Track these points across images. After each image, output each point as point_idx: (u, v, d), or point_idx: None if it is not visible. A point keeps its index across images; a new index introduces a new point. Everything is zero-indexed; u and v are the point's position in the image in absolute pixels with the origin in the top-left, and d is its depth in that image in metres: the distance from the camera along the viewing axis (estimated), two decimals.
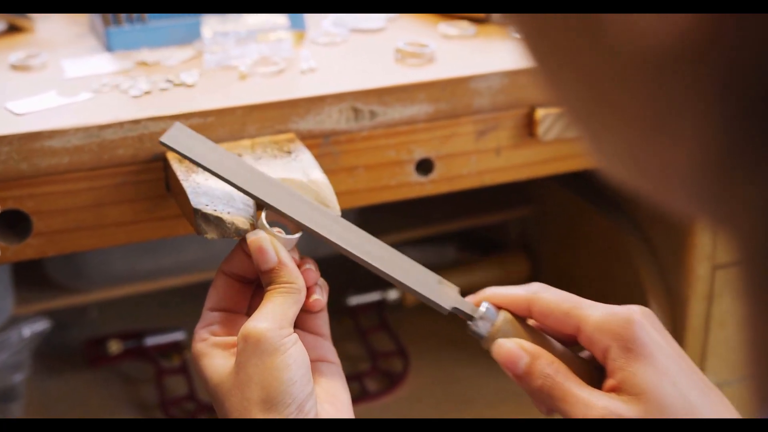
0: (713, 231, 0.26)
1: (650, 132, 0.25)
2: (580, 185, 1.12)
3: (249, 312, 0.64)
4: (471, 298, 0.61)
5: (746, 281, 0.25)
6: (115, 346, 1.11)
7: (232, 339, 0.60)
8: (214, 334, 0.61)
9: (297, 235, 0.62)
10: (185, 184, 0.68)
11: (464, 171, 0.84)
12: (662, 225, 1.00)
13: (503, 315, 0.58)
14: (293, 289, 0.59)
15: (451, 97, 0.81)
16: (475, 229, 1.28)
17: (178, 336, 1.13)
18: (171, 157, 0.73)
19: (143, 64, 0.86)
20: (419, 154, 0.82)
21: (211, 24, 0.87)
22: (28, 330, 1.04)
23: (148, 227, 0.76)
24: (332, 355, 0.64)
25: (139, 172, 0.74)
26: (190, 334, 1.14)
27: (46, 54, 0.88)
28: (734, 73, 0.23)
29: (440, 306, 0.60)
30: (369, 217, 1.16)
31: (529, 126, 0.84)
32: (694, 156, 0.25)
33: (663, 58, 0.24)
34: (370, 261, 0.61)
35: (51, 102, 0.77)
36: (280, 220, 0.63)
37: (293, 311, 0.59)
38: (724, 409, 0.53)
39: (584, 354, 0.58)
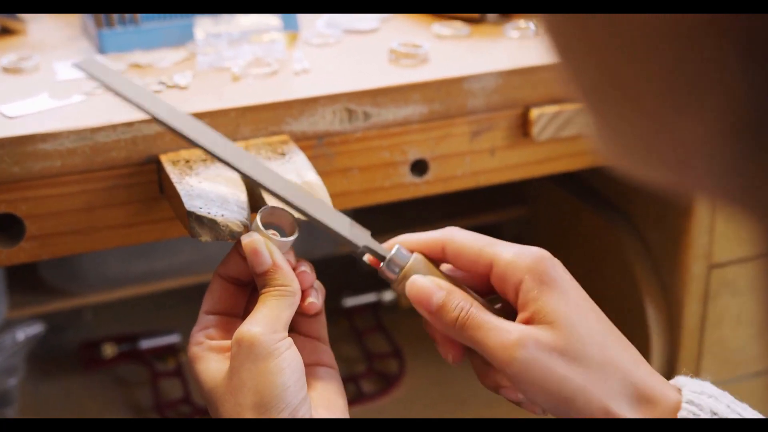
0: (737, 216, 0.25)
1: (669, 111, 0.25)
2: (575, 185, 1.12)
3: (245, 315, 0.63)
4: (384, 244, 0.60)
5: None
6: (109, 350, 1.10)
7: (228, 343, 0.59)
8: (210, 338, 0.60)
9: (292, 238, 0.62)
10: (179, 187, 0.67)
11: (459, 172, 0.84)
12: (657, 224, 1.00)
13: (415, 255, 0.58)
14: (288, 292, 0.59)
15: (445, 98, 0.81)
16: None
17: (172, 339, 1.13)
18: (165, 159, 0.73)
19: (136, 66, 0.86)
20: (413, 155, 0.82)
21: (204, 25, 0.87)
22: (22, 333, 1.03)
23: (142, 230, 0.76)
24: (329, 359, 0.63)
25: (133, 174, 0.74)
26: (185, 336, 1.14)
27: (38, 56, 0.88)
28: (758, 42, 0.22)
29: (353, 244, 0.60)
30: (363, 219, 1.16)
31: (523, 126, 0.84)
32: (717, 132, 0.24)
33: (682, 31, 0.23)
34: (280, 192, 0.60)
35: (43, 105, 0.76)
36: (274, 220, 0.63)
37: (287, 314, 0.58)
38: (624, 348, 0.54)
39: (497, 306, 0.58)
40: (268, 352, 0.55)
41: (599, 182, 1.09)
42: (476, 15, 0.95)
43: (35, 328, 1.04)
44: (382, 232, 1.17)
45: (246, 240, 0.60)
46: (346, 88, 0.78)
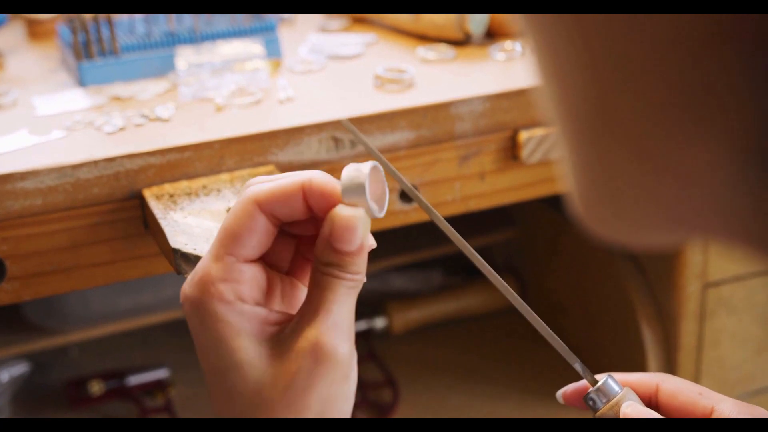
0: (736, 248, 0.23)
1: (667, 134, 0.22)
2: (564, 205, 1.11)
3: (289, 269, 0.49)
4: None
5: None
6: (96, 387, 1.08)
7: (263, 313, 0.46)
8: (241, 299, 0.45)
9: (384, 212, 0.48)
10: (163, 223, 0.66)
11: (449, 197, 0.82)
12: None
13: (627, 388, 0.55)
14: (359, 282, 0.46)
15: (432, 123, 0.80)
16: (461, 254, 1.26)
17: (161, 374, 1.11)
18: (148, 194, 0.71)
19: (117, 99, 0.84)
20: None
21: (186, 55, 0.86)
22: (7, 374, 1.01)
23: (127, 267, 0.74)
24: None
25: (116, 210, 0.72)
26: (174, 371, 1.12)
27: (16, 91, 0.86)
28: (765, 49, 0.20)
29: (571, 356, 0.57)
30: None
31: (512, 149, 0.83)
32: (723, 160, 0.21)
33: (690, 50, 0.21)
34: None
35: (22, 141, 0.75)
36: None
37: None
38: None
39: None
40: (345, 375, 0.45)
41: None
42: (461, 37, 0.94)
43: (20, 368, 1.02)
44: (373, 258, 1.16)
45: (345, 213, 0.45)
46: (331, 116, 0.77)
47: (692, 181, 0.23)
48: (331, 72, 0.90)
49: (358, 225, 0.44)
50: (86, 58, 0.88)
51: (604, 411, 0.55)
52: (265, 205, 0.45)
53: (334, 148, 0.77)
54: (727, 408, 0.53)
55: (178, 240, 0.63)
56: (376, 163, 0.47)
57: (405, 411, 1.09)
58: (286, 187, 0.45)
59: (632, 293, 1.00)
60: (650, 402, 0.56)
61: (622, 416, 0.53)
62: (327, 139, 0.77)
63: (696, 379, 0.98)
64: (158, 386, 1.10)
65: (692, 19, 0.20)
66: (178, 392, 1.10)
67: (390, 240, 1.15)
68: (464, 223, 1.12)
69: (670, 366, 0.98)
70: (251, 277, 0.45)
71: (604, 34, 0.22)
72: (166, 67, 0.89)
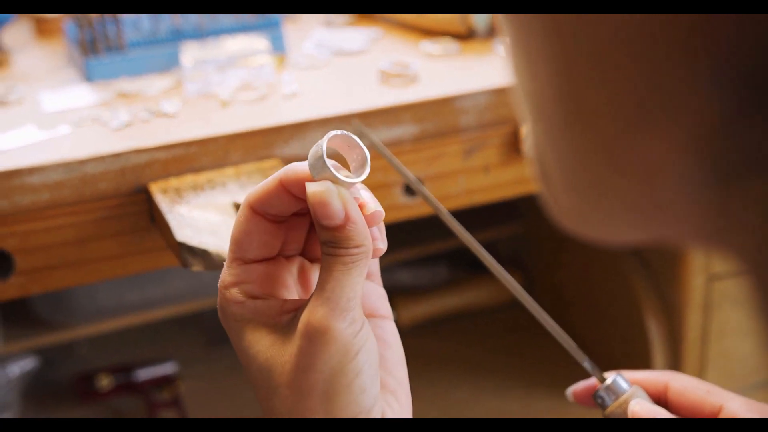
0: (702, 245, 0.24)
1: (632, 130, 0.23)
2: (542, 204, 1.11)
3: (282, 250, 0.50)
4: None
5: (755, 291, 0.24)
6: (105, 381, 1.09)
7: (276, 304, 0.47)
8: (251, 296, 0.47)
9: (364, 176, 0.47)
10: (169, 217, 0.66)
11: (453, 191, 0.83)
12: None
13: (636, 386, 0.55)
14: (362, 254, 0.45)
15: (436, 117, 0.80)
16: (466, 248, 1.26)
17: (168, 368, 1.11)
18: (154, 188, 0.71)
19: (123, 94, 0.85)
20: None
21: (191, 51, 0.86)
22: (16, 369, 1.02)
23: (134, 260, 0.74)
24: (383, 304, 0.51)
25: (122, 205, 0.73)
26: (181, 365, 1.12)
27: (23, 87, 0.87)
28: (729, 68, 0.21)
29: (580, 355, 0.57)
30: None
31: (516, 143, 0.83)
32: (685, 152, 0.22)
33: (655, 46, 0.22)
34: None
35: (29, 137, 0.75)
36: (338, 149, 0.48)
37: (362, 286, 0.46)
38: None
39: None
40: (346, 351, 0.45)
41: None
42: (464, 31, 0.94)
43: (29, 363, 1.03)
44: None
45: (313, 189, 0.45)
46: (336, 111, 0.77)
47: (653, 179, 0.23)
48: (336, 67, 0.91)
49: (328, 197, 0.45)
50: (93, 55, 0.88)
51: (612, 409, 0.55)
52: (257, 207, 0.47)
53: None
54: (736, 406, 0.53)
55: (183, 233, 0.63)
56: (342, 131, 0.47)
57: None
58: (267, 185, 0.47)
59: (637, 287, 1.00)
60: (659, 400, 0.55)
61: (630, 415, 0.53)
62: None
63: (701, 371, 0.98)
64: (166, 380, 1.11)
65: (661, 21, 0.21)
66: (186, 386, 1.10)
67: (396, 235, 1.16)
68: (470, 217, 1.13)
69: (675, 359, 0.99)
70: (261, 275, 0.48)
71: (576, 34, 0.23)
72: (171, 63, 0.89)
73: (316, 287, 0.46)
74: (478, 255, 0.55)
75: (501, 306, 1.23)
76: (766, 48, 0.20)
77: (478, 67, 0.87)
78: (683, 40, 0.21)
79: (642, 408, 0.53)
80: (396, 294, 1.20)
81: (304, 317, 0.45)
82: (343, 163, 0.47)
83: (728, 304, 0.96)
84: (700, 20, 0.21)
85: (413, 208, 0.82)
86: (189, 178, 0.73)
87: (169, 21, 0.94)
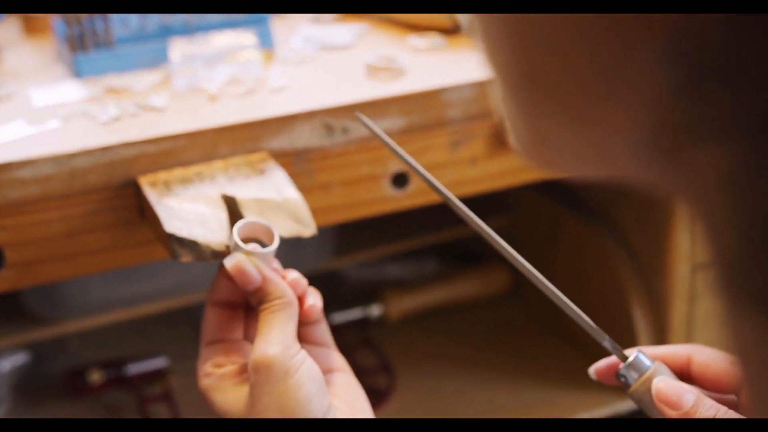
0: (671, 201, 0.28)
1: (591, 102, 0.26)
2: (557, 192, 1.12)
3: (246, 335, 0.64)
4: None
5: (718, 276, 0.25)
6: (96, 376, 1.09)
7: (237, 366, 0.60)
8: (218, 366, 0.60)
9: (274, 246, 0.61)
10: (158, 209, 0.67)
11: (440, 183, 0.84)
12: (640, 227, 1.00)
13: (659, 362, 0.55)
14: (285, 304, 0.58)
15: (423, 110, 0.81)
16: (455, 241, 1.27)
17: (160, 363, 1.12)
18: (143, 181, 0.72)
19: (112, 89, 0.85)
20: (394, 168, 0.81)
21: (179, 46, 0.87)
22: (7, 364, 1.02)
23: (124, 254, 0.75)
24: (341, 363, 0.64)
25: (112, 198, 0.73)
26: (173, 360, 1.13)
27: (12, 83, 0.87)
28: (675, 43, 0.23)
29: (601, 334, 0.57)
30: (346, 234, 1.16)
31: (503, 134, 0.84)
32: (638, 124, 0.25)
33: (604, 27, 0.24)
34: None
35: (19, 132, 0.76)
36: (251, 234, 0.62)
37: (292, 326, 0.58)
38: None
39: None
40: (285, 370, 0.55)
41: (581, 188, 1.09)
42: (450, 26, 0.95)
43: (19, 358, 1.03)
44: (365, 247, 1.17)
45: (229, 262, 0.59)
46: (323, 104, 0.78)
47: (607, 143, 0.26)
48: (323, 62, 0.91)
49: (243, 266, 0.59)
50: (81, 51, 0.89)
51: (636, 387, 0.54)
52: (211, 299, 0.62)
53: (326, 135, 0.78)
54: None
55: (173, 225, 0.64)
56: (246, 219, 0.63)
57: (401, 397, 1.10)
58: (215, 280, 0.62)
59: (623, 277, 1.01)
60: (682, 374, 0.55)
61: (654, 392, 0.53)
62: (319, 127, 0.78)
63: None
64: (157, 375, 1.11)
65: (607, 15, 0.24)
66: (177, 381, 1.11)
67: (385, 228, 1.17)
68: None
69: None
70: (223, 349, 0.61)
71: (534, 20, 0.26)
72: (159, 59, 0.90)
73: (255, 337, 0.58)
74: (490, 241, 0.58)
75: (490, 299, 1.23)
76: (709, 29, 0.22)
77: (464, 60, 0.88)
78: (636, 23, 0.23)
79: (666, 385, 0.53)
80: (384, 288, 1.20)
81: (250, 359, 0.56)
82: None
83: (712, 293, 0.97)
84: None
85: (401, 201, 0.83)
86: (178, 172, 0.74)
87: (157, 17, 0.94)
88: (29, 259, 0.73)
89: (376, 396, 1.11)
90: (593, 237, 1.05)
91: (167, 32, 0.91)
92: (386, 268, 1.25)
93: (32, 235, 0.72)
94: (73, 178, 0.72)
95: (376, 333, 1.20)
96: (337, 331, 1.18)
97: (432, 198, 0.84)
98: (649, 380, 0.54)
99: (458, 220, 1.26)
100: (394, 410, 1.08)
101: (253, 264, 0.59)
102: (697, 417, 0.51)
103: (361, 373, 1.13)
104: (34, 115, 0.79)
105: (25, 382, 1.08)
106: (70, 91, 0.85)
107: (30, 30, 1.07)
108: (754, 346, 0.25)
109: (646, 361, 0.55)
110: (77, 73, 0.88)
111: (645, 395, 0.54)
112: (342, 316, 1.18)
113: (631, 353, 0.55)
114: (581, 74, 0.25)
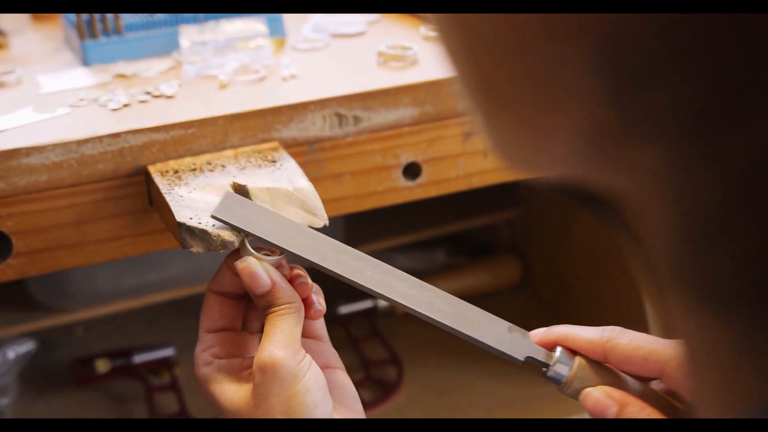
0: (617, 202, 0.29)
1: (535, 108, 0.27)
2: (569, 184, 1.11)
3: (245, 327, 0.64)
4: (541, 336, 0.59)
5: (660, 273, 0.27)
6: (102, 365, 1.09)
7: (238, 361, 0.60)
8: (217, 357, 0.60)
9: (282, 255, 0.61)
10: (168, 198, 0.66)
11: (452, 174, 0.83)
12: None
13: (578, 361, 0.57)
14: (293, 309, 0.59)
15: (435, 100, 0.80)
16: (465, 233, 1.26)
17: (166, 352, 1.11)
18: (153, 170, 0.71)
19: (121, 76, 0.84)
20: (406, 158, 0.80)
21: (189, 34, 0.86)
22: (13, 352, 1.01)
23: (132, 243, 0.74)
24: (335, 359, 0.64)
25: (121, 186, 0.72)
26: (179, 350, 1.12)
27: (21, 70, 0.86)
28: (608, 48, 0.24)
29: (512, 357, 0.59)
30: (356, 225, 1.15)
31: None
32: (578, 128, 0.26)
33: (541, 35, 0.25)
34: (437, 318, 0.59)
35: (27, 118, 0.75)
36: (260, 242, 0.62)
37: (299, 331, 0.58)
38: None
39: (660, 386, 0.57)
40: (293, 375, 0.55)
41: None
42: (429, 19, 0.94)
43: (26, 346, 1.02)
44: (375, 238, 1.16)
45: (242, 264, 0.60)
46: (335, 93, 0.77)
47: (552, 137, 0.27)
48: (335, 50, 0.90)
49: (254, 269, 0.59)
50: (90, 38, 0.88)
51: (564, 390, 0.57)
52: (213, 288, 0.62)
53: (338, 124, 0.77)
54: (676, 364, 0.54)
55: (183, 214, 0.63)
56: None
57: (409, 389, 1.09)
58: (218, 269, 0.62)
59: (636, 272, 1.00)
60: (605, 361, 0.57)
61: (582, 403, 0.56)
62: (331, 115, 0.77)
63: None
64: (164, 364, 1.11)
65: (543, 17, 0.24)
66: (183, 371, 1.10)
67: (394, 219, 1.16)
68: (469, 201, 1.13)
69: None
70: (223, 340, 0.61)
71: (482, 30, 0.27)
72: (169, 46, 0.89)
73: (262, 338, 0.58)
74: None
75: (500, 291, 1.22)
76: (638, 33, 0.23)
77: None
78: (567, 30, 0.24)
79: (589, 401, 0.56)
80: None
81: (256, 359, 0.56)
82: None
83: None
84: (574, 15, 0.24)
85: (413, 192, 0.82)
86: (188, 160, 0.73)
87: None
88: (37, 248, 0.72)
89: (384, 388, 1.10)
90: (605, 230, 1.04)
91: (177, 19, 0.90)
92: (396, 259, 1.24)
93: (40, 223, 0.71)
94: (82, 166, 0.71)
95: (384, 324, 1.19)
96: (345, 322, 1.18)
97: (444, 189, 0.83)
98: (570, 385, 0.57)
99: (468, 211, 1.25)
100: (401, 403, 1.08)
101: (264, 268, 0.59)
102: None
103: (369, 364, 1.12)
104: (42, 102, 0.78)
105: (31, 371, 1.08)
106: (78, 77, 0.84)
107: (38, 16, 1.06)
108: (699, 340, 0.26)
109: (564, 368, 0.57)
110: (86, 60, 0.87)
111: (575, 395, 0.57)
112: (350, 308, 1.17)
113: (553, 358, 0.57)
114: (522, 82, 0.26)
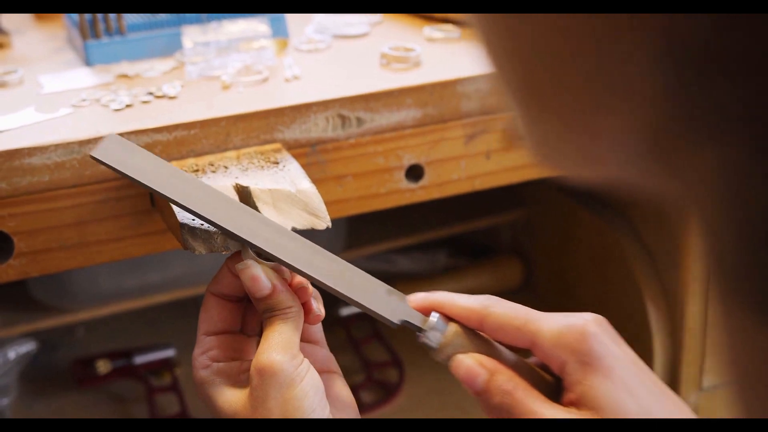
0: (671, 210, 0.29)
1: (584, 110, 0.26)
2: (573, 187, 1.11)
3: (244, 330, 0.64)
4: (419, 301, 0.59)
5: (713, 274, 0.26)
6: (103, 366, 1.08)
7: (236, 365, 0.60)
8: (215, 360, 0.60)
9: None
10: None
11: (454, 176, 0.83)
12: (657, 225, 0.98)
13: (453, 328, 0.57)
14: (293, 313, 0.59)
15: (438, 102, 0.80)
16: (467, 235, 1.26)
17: (167, 353, 1.11)
18: None
19: (124, 77, 0.84)
20: (408, 160, 0.80)
21: (192, 34, 0.86)
22: (14, 352, 1.01)
23: (134, 244, 0.74)
24: (332, 363, 0.64)
25: (123, 187, 0.72)
26: (180, 351, 1.12)
27: (23, 70, 0.86)
28: (668, 45, 0.23)
29: (388, 319, 0.59)
30: (357, 227, 1.15)
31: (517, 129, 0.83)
32: (630, 130, 0.25)
33: (596, 33, 0.24)
34: (312, 274, 0.59)
35: (29, 118, 0.75)
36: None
37: (297, 336, 0.58)
38: (679, 413, 0.53)
39: (537, 360, 0.57)
40: (291, 379, 0.55)
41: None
42: (467, 17, 0.93)
43: (27, 347, 1.02)
44: (377, 240, 1.16)
45: (242, 267, 0.59)
46: (338, 94, 0.77)
47: (600, 140, 0.27)
48: (337, 51, 0.90)
49: (256, 272, 0.59)
50: (93, 38, 0.88)
51: (436, 356, 0.58)
52: (212, 290, 0.62)
53: (341, 125, 0.77)
54: (549, 334, 0.55)
55: (185, 215, 0.63)
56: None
57: (410, 390, 1.09)
58: (220, 272, 0.61)
59: (638, 275, 1.00)
60: (481, 329, 0.58)
61: (452, 370, 0.56)
62: (333, 117, 0.77)
63: (701, 359, 0.98)
64: (165, 365, 1.11)
65: (598, 16, 0.24)
66: (183, 371, 1.10)
67: (396, 221, 1.15)
68: (471, 203, 1.13)
69: (675, 346, 0.99)
70: (221, 343, 0.61)
71: (527, 30, 0.26)
72: (172, 46, 0.89)
73: (260, 341, 0.57)
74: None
75: (501, 293, 1.22)
76: (697, 31, 0.22)
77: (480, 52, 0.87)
78: (625, 29, 0.23)
79: (460, 369, 0.56)
80: (395, 281, 1.19)
81: (254, 362, 0.56)
82: None
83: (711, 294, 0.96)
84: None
85: (416, 194, 0.82)
86: (190, 161, 0.73)
87: None
88: (38, 248, 0.72)
89: (386, 390, 1.10)
90: (608, 232, 1.04)
91: (180, 20, 0.90)
92: (397, 261, 1.24)
93: (42, 223, 0.71)
94: (84, 166, 0.71)
95: (385, 326, 1.19)
96: (346, 324, 1.18)
97: (446, 191, 0.83)
98: (444, 351, 0.57)
99: (471, 213, 1.24)
100: (403, 404, 1.07)
101: (265, 272, 0.59)
102: (489, 402, 0.54)
103: (370, 366, 1.12)
104: (44, 102, 0.78)
105: (32, 371, 1.08)
106: (81, 78, 0.84)
107: (40, 15, 1.06)
108: (745, 347, 0.25)
109: (438, 334, 0.57)
110: (88, 60, 0.87)
111: (447, 362, 0.57)
112: (351, 310, 1.17)
113: (429, 323, 0.57)
114: (569, 84, 0.26)
